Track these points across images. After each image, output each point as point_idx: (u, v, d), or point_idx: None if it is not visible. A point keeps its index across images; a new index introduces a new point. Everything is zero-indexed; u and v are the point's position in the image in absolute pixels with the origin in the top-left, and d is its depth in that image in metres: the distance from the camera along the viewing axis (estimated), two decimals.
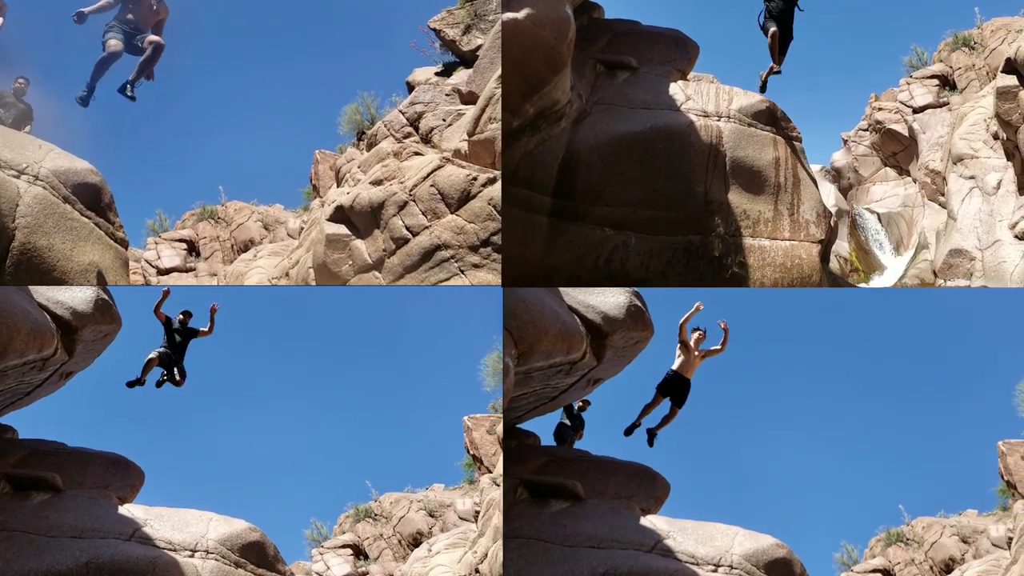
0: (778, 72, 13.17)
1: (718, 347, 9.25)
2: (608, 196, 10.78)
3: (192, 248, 16.90)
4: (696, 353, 9.66)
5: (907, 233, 16.03)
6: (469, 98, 9.94)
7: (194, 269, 16.29)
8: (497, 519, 9.51)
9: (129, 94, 10.07)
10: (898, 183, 18.35)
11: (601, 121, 11.03)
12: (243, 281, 12.54)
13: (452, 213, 7.85)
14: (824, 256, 11.67)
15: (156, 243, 16.80)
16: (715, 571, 9.40)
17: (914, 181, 17.06)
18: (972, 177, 13.14)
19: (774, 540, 9.85)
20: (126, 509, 9.49)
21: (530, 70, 8.04)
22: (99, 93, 10.21)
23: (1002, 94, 12.08)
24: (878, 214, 16.64)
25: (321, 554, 15.96)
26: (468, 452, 13.62)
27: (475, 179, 7.84)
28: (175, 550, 8.71)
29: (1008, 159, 12.72)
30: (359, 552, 15.67)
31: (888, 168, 19.00)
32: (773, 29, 12.50)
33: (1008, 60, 11.99)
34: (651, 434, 9.83)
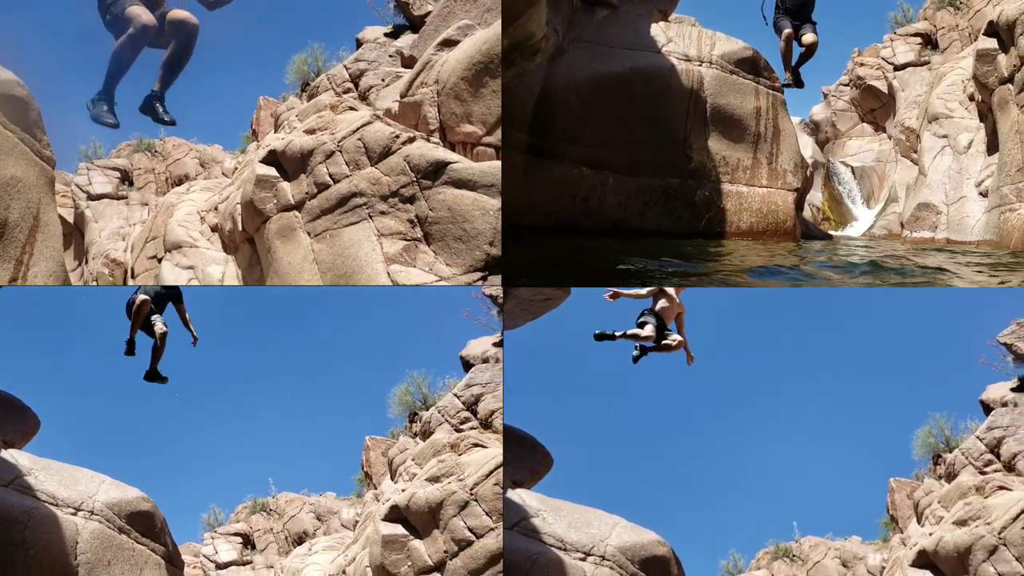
0: (798, 86, 12.42)
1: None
2: (586, 136, 10.72)
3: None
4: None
5: (878, 187, 16.28)
6: (409, 62, 10.02)
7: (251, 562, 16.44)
8: (371, 530, 9.52)
9: (166, 119, 7.49)
10: (874, 139, 18.53)
11: (579, 59, 10.88)
12: None
13: (372, 166, 7.95)
14: (799, 204, 11.89)
15: (213, 537, 16.87)
16: (583, 559, 8.79)
17: (889, 138, 17.25)
18: (945, 136, 13.34)
19: (656, 537, 9.31)
20: (9, 454, 8.96)
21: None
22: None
23: (981, 56, 12.17)
24: (852, 167, 16.87)
25: (212, 538, 16.52)
26: (362, 469, 14.08)
27: (397, 137, 7.98)
28: (57, 505, 8.21)
29: (981, 120, 12.90)
30: (248, 542, 16.33)
31: (865, 124, 19.15)
32: (788, 31, 12.05)
33: (990, 23, 12.04)
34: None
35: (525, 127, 10.41)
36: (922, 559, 9.64)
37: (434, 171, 7.71)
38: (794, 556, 16.01)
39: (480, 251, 7.31)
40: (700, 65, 11.34)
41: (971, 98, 13.42)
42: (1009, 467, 10.10)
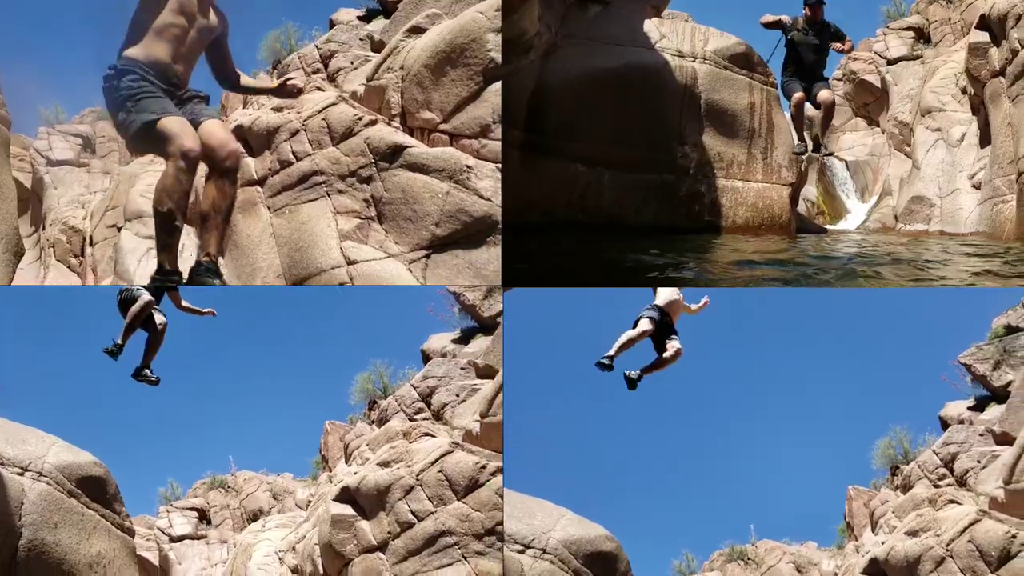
0: (823, 153, 12.15)
1: (696, 306, 7.33)
2: (581, 132, 10.69)
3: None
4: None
5: (872, 180, 16.34)
6: (378, 46, 10.19)
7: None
8: (322, 510, 9.84)
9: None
10: (867, 133, 18.61)
11: (573, 56, 10.87)
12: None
13: (333, 146, 8.16)
14: (794, 199, 11.93)
15: (168, 511, 17.00)
16: (522, 552, 8.53)
17: (883, 132, 17.32)
18: (938, 129, 13.42)
19: (604, 532, 8.98)
20: None
21: None
22: None
23: (973, 50, 12.24)
24: (846, 162, 16.92)
25: (168, 511, 16.79)
26: (320, 452, 14.30)
27: (360, 119, 8.21)
28: (3, 464, 7.88)
29: (974, 113, 12.99)
30: (204, 517, 16.62)
31: (859, 118, 19.22)
32: (798, 94, 11.71)
33: (982, 16, 12.11)
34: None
35: (520, 124, 10.41)
36: (873, 567, 9.75)
37: (391, 154, 7.98)
38: (749, 559, 16.10)
39: (427, 231, 7.59)
40: (694, 61, 11.36)
41: (963, 91, 13.50)
42: (961, 482, 10.35)
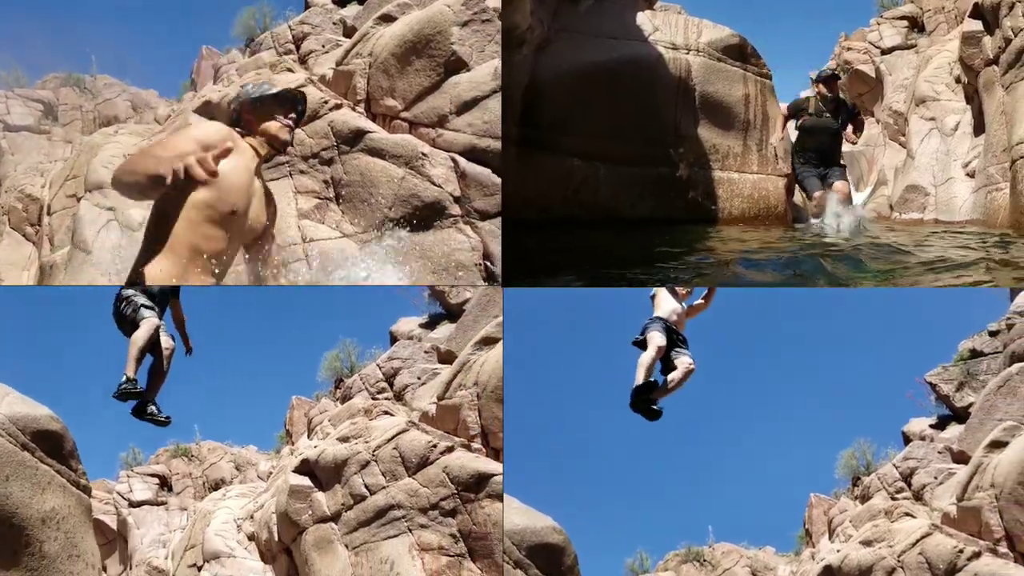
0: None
1: (702, 301, 6.62)
2: (575, 127, 10.69)
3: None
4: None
5: (867, 170, 16.35)
6: (350, 32, 10.33)
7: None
8: (282, 481, 10.11)
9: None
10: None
11: (566, 50, 10.87)
12: None
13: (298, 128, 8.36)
14: (789, 189, 11.95)
15: (129, 476, 16.80)
16: None
17: (877, 122, 17.32)
18: (933, 119, 13.44)
19: (552, 523, 8.71)
20: None
21: None
22: None
23: (967, 39, 12.26)
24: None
25: (128, 476, 16.69)
26: (285, 427, 14.43)
27: (326, 102, 8.59)
28: None
29: (968, 102, 13.01)
30: (165, 484, 16.59)
31: None
32: (818, 193, 11.15)
33: (976, 5, 12.13)
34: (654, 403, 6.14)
35: (515, 119, 10.41)
36: (827, 574, 9.95)
37: (353, 138, 8.28)
38: (705, 561, 16.17)
39: (380, 213, 7.92)
40: (687, 53, 11.37)
41: (957, 80, 13.52)
42: (917, 496, 10.60)
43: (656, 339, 6.11)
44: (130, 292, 6.04)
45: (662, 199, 11.07)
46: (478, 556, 7.92)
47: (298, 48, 10.74)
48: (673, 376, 6.13)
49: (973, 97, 12.59)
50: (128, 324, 5.97)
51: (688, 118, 11.31)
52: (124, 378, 5.78)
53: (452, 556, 8.11)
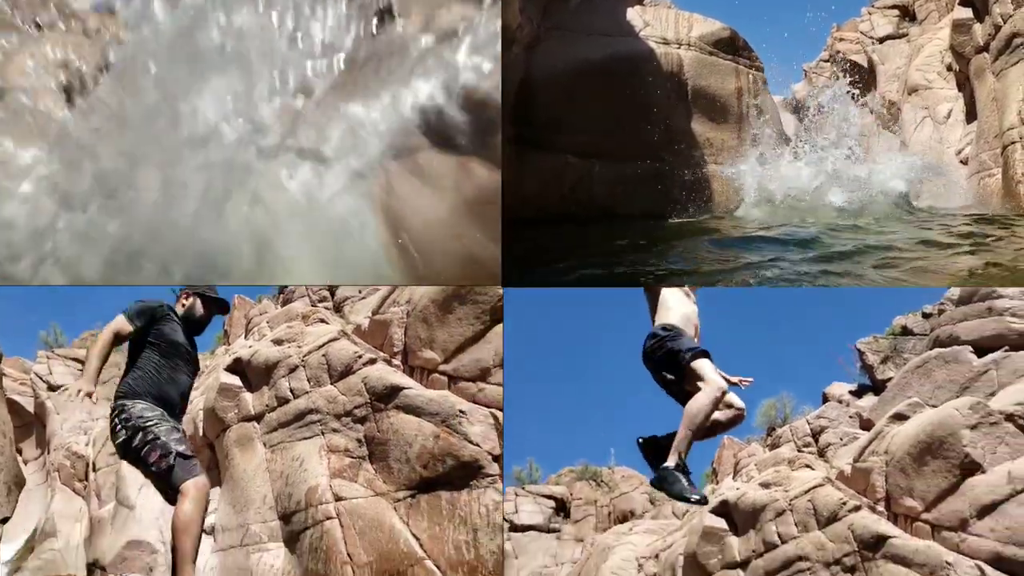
0: None
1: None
2: (569, 124, 10.68)
3: None
4: None
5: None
6: None
7: None
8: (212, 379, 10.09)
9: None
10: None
11: (558, 48, 10.84)
12: None
13: (331, 383, 8.51)
14: None
15: (48, 358, 16.32)
16: None
17: (871, 112, 17.37)
18: (925, 107, 13.50)
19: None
20: None
21: None
22: None
23: (958, 26, 12.31)
24: None
25: (48, 358, 16.30)
26: (224, 327, 13.91)
27: (360, 357, 8.52)
28: None
29: (959, 90, 13.06)
30: None
31: None
32: None
33: None
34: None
35: (508, 118, 10.41)
36: (722, 508, 10.41)
37: (388, 395, 8.06)
38: (602, 481, 16.08)
39: (415, 472, 7.64)
40: (679, 48, 11.37)
41: (949, 68, 13.57)
42: (821, 453, 11.11)
43: (716, 379, 3.79)
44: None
45: (657, 194, 11.05)
46: (376, 459, 7.91)
47: (332, 295, 10.82)
48: (722, 419, 3.94)
49: (964, 84, 12.64)
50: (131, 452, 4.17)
51: (681, 112, 11.30)
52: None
53: (355, 458, 8.11)
